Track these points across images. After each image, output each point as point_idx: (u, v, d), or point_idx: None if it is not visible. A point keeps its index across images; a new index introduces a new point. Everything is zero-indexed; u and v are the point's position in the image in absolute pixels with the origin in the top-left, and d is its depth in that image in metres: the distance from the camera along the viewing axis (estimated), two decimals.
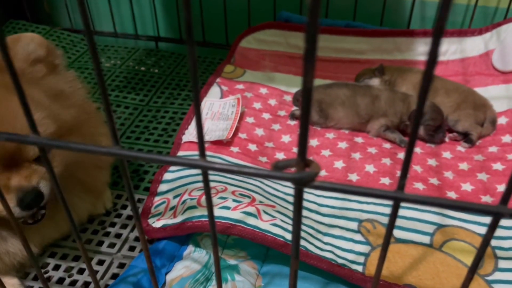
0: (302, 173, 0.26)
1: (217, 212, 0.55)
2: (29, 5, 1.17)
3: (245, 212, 0.55)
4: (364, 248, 0.57)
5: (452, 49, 0.94)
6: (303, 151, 0.26)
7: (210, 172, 0.70)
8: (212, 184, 0.62)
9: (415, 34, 0.96)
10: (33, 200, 0.47)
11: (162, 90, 0.95)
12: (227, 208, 0.56)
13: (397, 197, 0.27)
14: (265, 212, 0.57)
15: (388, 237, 0.30)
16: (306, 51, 0.23)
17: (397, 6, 1.04)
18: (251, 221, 0.55)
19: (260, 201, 0.59)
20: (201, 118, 0.26)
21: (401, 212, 0.62)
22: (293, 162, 0.27)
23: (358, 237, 0.58)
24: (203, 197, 0.59)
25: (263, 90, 0.88)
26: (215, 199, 0.58)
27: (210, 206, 0.31)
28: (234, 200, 0.57)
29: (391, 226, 0.29)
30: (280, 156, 0.74)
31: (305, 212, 0.62)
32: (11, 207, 0.47)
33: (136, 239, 0.62)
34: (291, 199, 0.64)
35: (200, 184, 0.62)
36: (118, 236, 0.63)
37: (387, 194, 0.27)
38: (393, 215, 0.28)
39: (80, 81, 0.61)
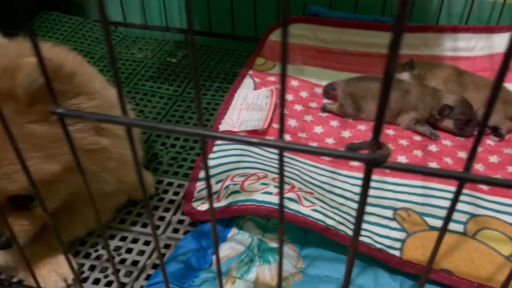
0: (375, 154, 0.29)
1: (260, 197, 0.58)
2: None
3: (286, 198, 0.58)
4: (400, 235, 0.59)
5: (480, 45, 0.95)
6: (377, 133, 0.28)
7: (250, 159, 0.73)
8: (252, 171, 0.65)
9: (443, 30, 0.97)
10: (2, 248, 0.50)
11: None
12: (270, 193, 0.59)
13: (463, 178, 0.29)
14: (305, 198, 0.59)
15: (448, 218, 0.32)
16: (392, 40, 0.25)
17: (425, 2, 1.05)
18: (293, 206, 0.57)
19: (299, 188, 0.62)
20: (284, 103, 0.29)
21: (435, 201, 0.64)
22: (366, 144, 0.29)
23: (393, 224, 0.61)
24: (246, 182, 0.61)
25: (294, 83, 0.90)
26: (257, 185, 0.60)
27: (281, 187, 0.33)
28: (275, 186, 0.60)
29: (453, 206, 0.31)
30: None
31: (341, 200, 0.64)
32: None
33: (179, 222, 0.65)
34: (327, 187, 0.67)
35: (241, 171, 0.65)
36: (161, 219, 0.66)
37: (454, 174, 0.29)
38: (457, 195, 0.30)
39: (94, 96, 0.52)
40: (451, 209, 0.32)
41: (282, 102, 0.28)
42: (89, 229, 0.63)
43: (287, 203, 0.58)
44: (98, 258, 0.61)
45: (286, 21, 0.25)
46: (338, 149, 0.29)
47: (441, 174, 0.29)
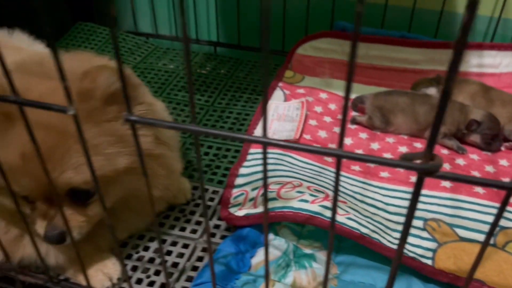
0: (428, 164, 0.31)
1: (297, 204, 0.61)
2: (97, 8, 1.26)
3: (322, 206, 0.60)
4: (431, 245, 0.61)
5: (505, 62, 0.97)
6: (431, 145, 0.30)
7: (284, 168, 0.75)
8: (287, 179, 0.67)
9: (469, 47, 0.99)
10: (56, 241, 0.51)
11: (224, 92, 1.01)
12: (306, 201, 0.61)
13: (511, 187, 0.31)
14: (339, 207, 0.62)
15: (493, 228, 0.34)
16: (451, 61, 0.28)
17: (450, 19, 1.08)
18: (329, 214, 0.60)
19: None
20: (346, 113, 0.31)
21: (464, 213, 0.66)
22: (420, 154, 0.32)
23: (424, 234, 0.63)
24: (282, 190, 0.64)
25: (323, 95, 0.93)
26: (293, 193, 0.63)
27: (335, 198, 0.35)
28: (311, 195, 0.63)
29: (499, 214, 0.33)
30: None
31: (373, 209, 0.67)
32: (40, 230, 0.51)
33: (216, 226, 0.68)
34: (358, 197, 0.69)
35: (277, 179, 0.68)
36: (198, 223, 0.68)
37: (503, 184, 0.31)
38: (504, 204, 0.33)
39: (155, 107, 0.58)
40: (496, 220, 0.33)
41: (344, 114, 0.31)
42: (130, 232, 0.66)
43: (323, 211, 0.60)
44: (139, 259, 0.64)
45: (354, 55, 0.27)
46: (394, 159, 0.31)
47: (489, 184, 0.32)
